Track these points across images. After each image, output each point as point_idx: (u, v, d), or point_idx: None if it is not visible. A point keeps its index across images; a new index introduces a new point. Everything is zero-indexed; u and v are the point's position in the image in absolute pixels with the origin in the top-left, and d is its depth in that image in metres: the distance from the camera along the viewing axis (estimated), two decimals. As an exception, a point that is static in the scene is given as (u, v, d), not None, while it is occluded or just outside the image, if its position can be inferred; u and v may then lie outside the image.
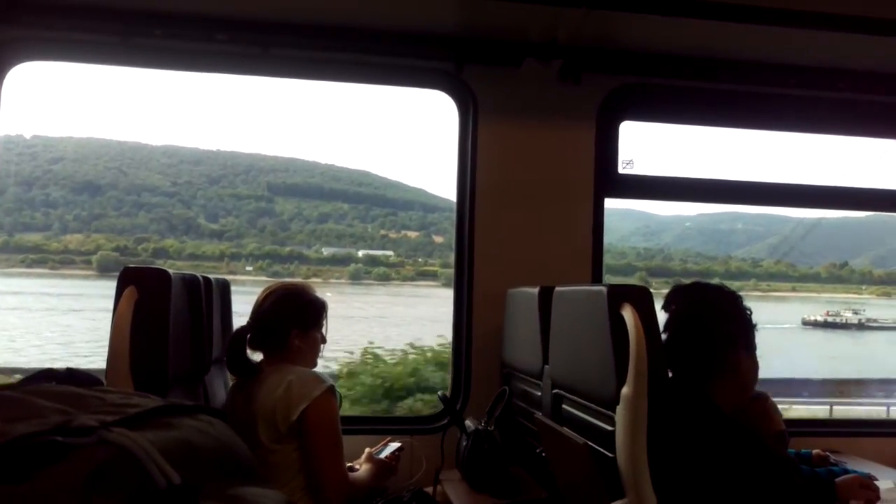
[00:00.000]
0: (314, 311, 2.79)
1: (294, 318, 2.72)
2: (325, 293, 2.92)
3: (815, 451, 3.07)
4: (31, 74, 3.45)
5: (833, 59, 3.66)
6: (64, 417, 0.70)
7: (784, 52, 3.60)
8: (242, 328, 2.70)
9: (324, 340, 2.83)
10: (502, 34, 3.46)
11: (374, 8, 3.26)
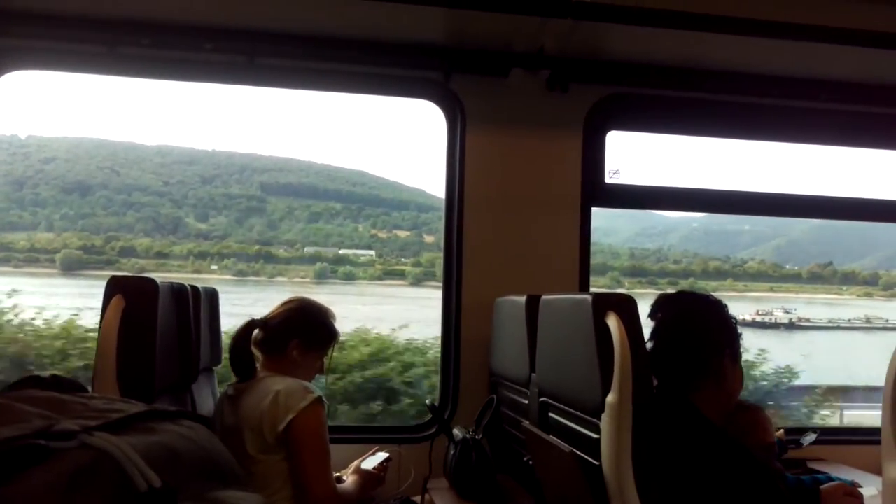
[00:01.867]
0: (321, 334, 2.81)
1: (299, 329, 2.73)
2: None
3: (778, 433, 3.09)
4: (28, 75, 3.46)
5: (817, 69, 3.70)
6: (46, 422, 0.71)
7: (768, 62, 3.63)
8: (253, 321, 2.72)
9: (321, 371, 2.84)
10: (490, 44, 3.48)
11: (360, 18, 3.27)
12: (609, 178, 3.76)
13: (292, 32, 3.37)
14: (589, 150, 3.68)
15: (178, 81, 3.69)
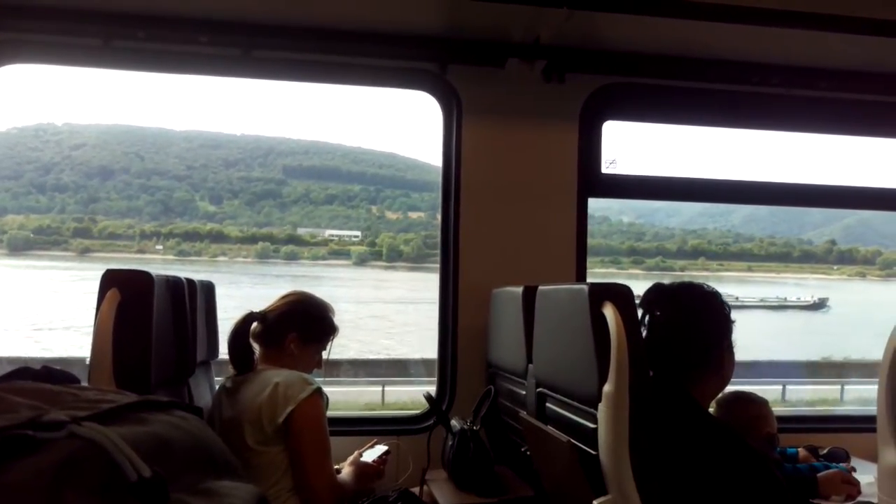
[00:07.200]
0: (320, 328, 2.82)
1: (297, 322, 2.74)
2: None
3: (801, 451, 3.10)
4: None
5: (815, 57, 3.69)
6: (35, 412, 0.70)
7: (766, 51, 3.63)
8: (251, 313, 2.73)
9: (319, 365, 2.84)
10: (485, 35, 3.47)
11: (356, 9, 3.26)
12: (605, 169, 3.76)
13: (287, 24, 3.35)
14: (585, 141, 3.68)
15: (175, 74, 3.68)
